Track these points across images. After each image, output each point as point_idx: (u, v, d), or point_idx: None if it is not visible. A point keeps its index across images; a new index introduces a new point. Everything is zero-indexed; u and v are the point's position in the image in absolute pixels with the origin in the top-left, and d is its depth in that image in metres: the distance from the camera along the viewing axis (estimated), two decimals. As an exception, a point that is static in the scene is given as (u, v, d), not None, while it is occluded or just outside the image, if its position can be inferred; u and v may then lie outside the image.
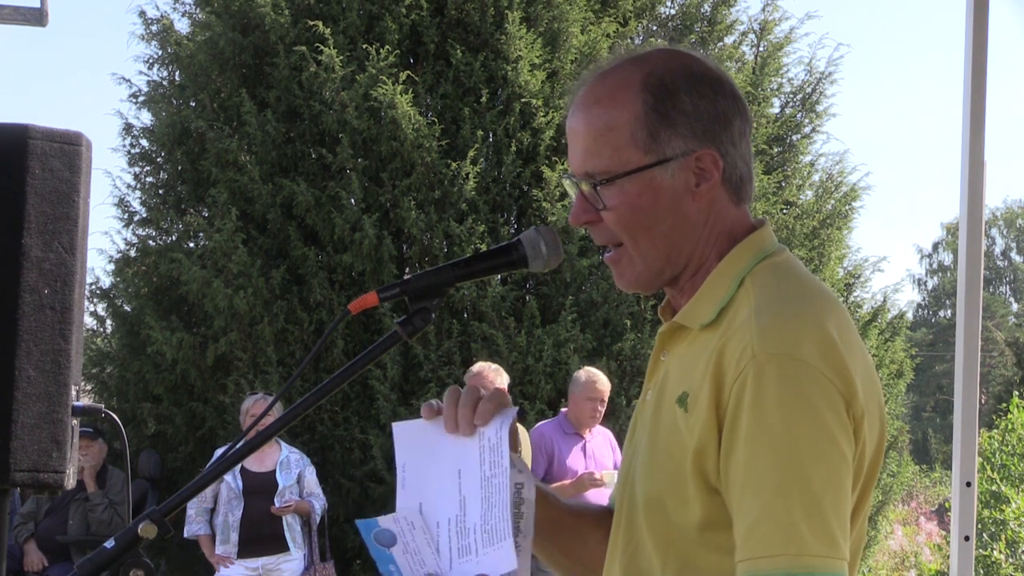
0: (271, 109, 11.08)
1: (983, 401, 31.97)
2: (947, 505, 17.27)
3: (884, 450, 1.77)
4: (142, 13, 11.80)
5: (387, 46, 10.86)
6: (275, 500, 8.59)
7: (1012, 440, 13.91)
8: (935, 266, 53.13)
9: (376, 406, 10.54)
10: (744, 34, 12.43)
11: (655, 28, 12.31)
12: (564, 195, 10.54)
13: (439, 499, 1.82)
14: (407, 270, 11.03)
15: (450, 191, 10.75)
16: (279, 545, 8.59)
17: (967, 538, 3.57)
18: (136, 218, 11.73)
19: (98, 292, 11.83)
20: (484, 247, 10.44)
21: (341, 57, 10.84)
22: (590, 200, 1.82)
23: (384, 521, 1.82)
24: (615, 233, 1.81)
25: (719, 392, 1.67)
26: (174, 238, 11.65)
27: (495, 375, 7.76)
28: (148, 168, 11.85)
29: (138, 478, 10.29)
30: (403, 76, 10.79)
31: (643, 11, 12.08)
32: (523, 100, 10.92)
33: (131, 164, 11.79)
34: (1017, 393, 16.16)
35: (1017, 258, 53.74)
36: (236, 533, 8.52)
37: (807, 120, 12.42)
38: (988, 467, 13.29)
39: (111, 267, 11.79)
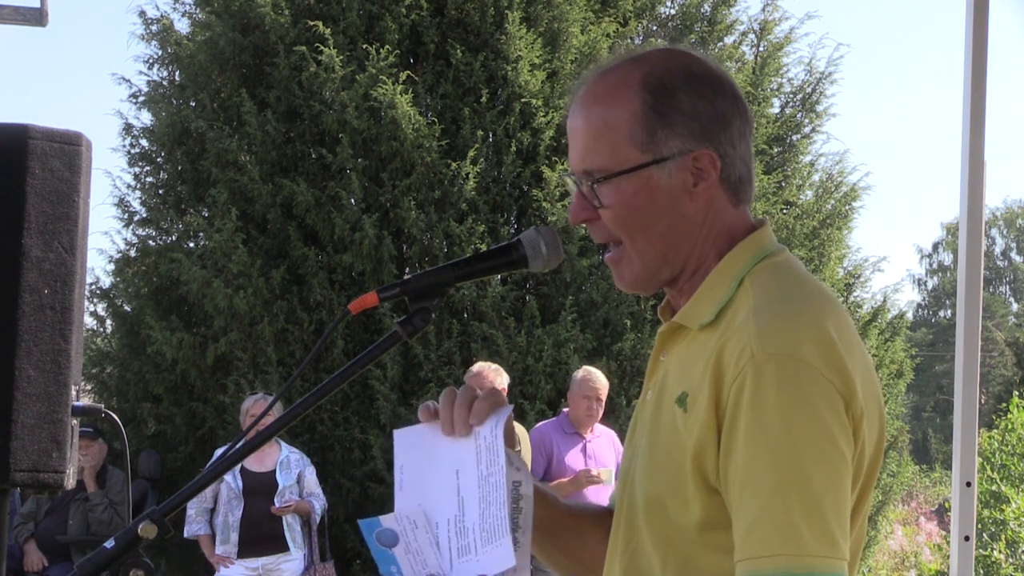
0: (271, 109, 11.08)
1: (983, 401, 31.98)
2: (947, 505, 17.26)
3: (884, 450, 1.77)
4: (142, 13, 11.81)
5: (387, 46, 10.86)
6: (275, 500, 8.59)
7: (1012, 440, 13.91)
8: (935, 266, 53.15)
9: (376, 406, 10.54)
10: (744, 34, 12.43)
11: (655, 28, 12.31)
12: (564, 195, 10.54)
13: (437, 500, 1.82)
14: (407, 270, 11.03)
15: (450, 191, 10.75)
16: (279, 545, 8.60)
17: (967, 538, 3.57)
18: (136, 218, 11.74)
19: (98, 292, 11.84)
20: (484, 247, 10.44)
21: (341, 57, 10.84)
22: (588, 198, 1.82)
23: (387, 520, 1.82)
24: (613, 231, 1.82)
25: (718, 392, 1.67)
26: (174, 238, 11.66)
27: (495, 375, 7.76)
28: (148, 168, 11.85)
29: (138, 478, 10.29)
30: (403, 76, 10.80)
31: (643, 11, 12.09)
32: (523, 100, 10.93)
33: (131, 164, 11.80)
34: (1017, 393, 16.16)
35: (1017, 258, 53.75)
36: (236, 533, 8.52)
37: (807, 120, 12.42)
38: (988, 467, 13.29)
39: (111, 267, 11.82)
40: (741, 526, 1.63)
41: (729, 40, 12.37)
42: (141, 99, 11.79)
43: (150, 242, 11.67)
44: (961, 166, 3.66)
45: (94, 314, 12.03)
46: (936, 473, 28.52)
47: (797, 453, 1.61)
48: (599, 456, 7.90)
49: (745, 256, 1.81)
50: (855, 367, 1.68)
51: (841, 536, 1.61)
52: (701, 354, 1.73)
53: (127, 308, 11.70)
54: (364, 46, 10.99)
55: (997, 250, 52.90)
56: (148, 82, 11.85)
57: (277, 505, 8.58)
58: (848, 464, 1.65)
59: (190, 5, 12.02)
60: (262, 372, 10.58)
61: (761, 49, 12.32)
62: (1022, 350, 32.16)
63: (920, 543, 16.32)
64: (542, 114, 10.94)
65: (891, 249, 79.24)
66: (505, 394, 8.12)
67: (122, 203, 11.68)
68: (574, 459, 7.84)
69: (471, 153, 10.69)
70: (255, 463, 8.63)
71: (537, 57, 11.02)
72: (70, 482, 2.97)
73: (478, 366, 7.92)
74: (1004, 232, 53.07)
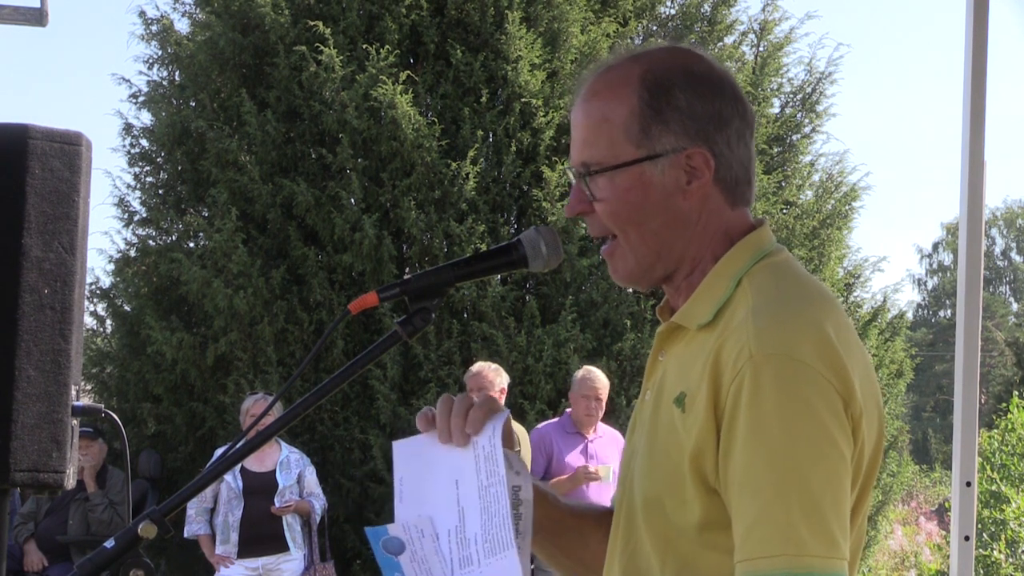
0: (271, 109, 11.08)
1: (983, 401, 31.97)
2: (947, 505, 17.27)
3: (883, 450, 1.77)
4: (142, 13, 11.81)
5: (387, 46, 10.86)
6: (275, 500, 8.59)
7: (1012, 440, 13.92)
8: (935, 266, 53.15)
9: (376, 406, 10.54)
10: (744, 34, 12.43)
11: (655, 28, 12.31)
12: (564, 195, 10.54)
13: (437, 510, 1.81)
14: (407, 270, 11.03)
15: (450, 191, 10.75)
16: (279, 545, 8.59)
17: (967, 538, 3.57)
18: (136, 218, 11.74)
19: (98, 292, 11.84)
20: (484, 247, 10.44)
21: (341, 57, 10.84)
22: (583, 191, 1.83)
23: (394, 529, 1.82)
24: (607, 225, 1.82)
25: (716, 393, 1.67)
26: (174, 238, 11.66)
27: (495, 375, 7.76)
28: (148, 168, 11.85)
29: (138, 478, 10.29)
30: (403, 76, 10.80)
31: (643, 11, 12.08)
32: (523, 100, 10.93)
33: (131, 164, 11.80)
34: (1017, 393, 16.16)
35: (1017, 258, 53.75)
36: (236, 533, 8.52)
37: (807, 120, 12.42)
38: (988, 467, 13.29)
39: (111, 267, 11.81)
40: (741, 527, 1.63)
41: (729, 40, 12.36)
42: (141, 99, 11.79)
43: (150, 242, 11.67)
44: (961, 166, 3.66)
45: (94, 314, 12.04)
46: (936, 473, 28.51)
47: (796, 453, 1.60)
48: (600, 456, 7.89)
49: (743, 256, 1.81)
50: (854, 367, 1.68)
51: (841, 536, 1.61)
52: (699, 354, 1.73)
53: (127, 308, 11.70)
54: (364, 46, 10.99)
55: (997, 250, 52.90)
56: (148, 82, 11.85)
57: (277, 505, 8.58)
58: (847, 464, 1.65)
59: (190, 5, 12.03)
60: (262, 372, 10.58)
61: (761, 49, 12.32)
62: (1022, 350, 32.15)
63: (920, 543, 16.33)
64: (542, 114, 10.94)
65: (891, 249, 79.29)
66: (505, 394, 8.15)
67: (122, 203, 11.68)
68: (574, 459, 7.83)
69: (471, 153, 10.69)
70: (255, 463, 8.63)
71: (537, 57, 11.02)
72: (70, 482, 2.97)
73: (478, 366, 7.92)
74: (1004, 232, 53.07)
